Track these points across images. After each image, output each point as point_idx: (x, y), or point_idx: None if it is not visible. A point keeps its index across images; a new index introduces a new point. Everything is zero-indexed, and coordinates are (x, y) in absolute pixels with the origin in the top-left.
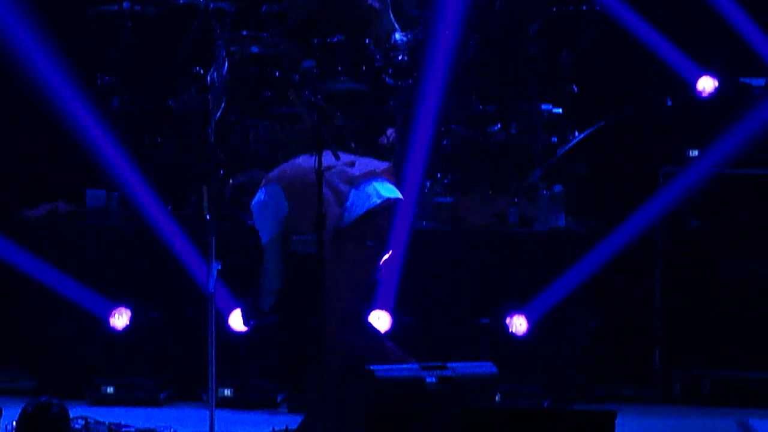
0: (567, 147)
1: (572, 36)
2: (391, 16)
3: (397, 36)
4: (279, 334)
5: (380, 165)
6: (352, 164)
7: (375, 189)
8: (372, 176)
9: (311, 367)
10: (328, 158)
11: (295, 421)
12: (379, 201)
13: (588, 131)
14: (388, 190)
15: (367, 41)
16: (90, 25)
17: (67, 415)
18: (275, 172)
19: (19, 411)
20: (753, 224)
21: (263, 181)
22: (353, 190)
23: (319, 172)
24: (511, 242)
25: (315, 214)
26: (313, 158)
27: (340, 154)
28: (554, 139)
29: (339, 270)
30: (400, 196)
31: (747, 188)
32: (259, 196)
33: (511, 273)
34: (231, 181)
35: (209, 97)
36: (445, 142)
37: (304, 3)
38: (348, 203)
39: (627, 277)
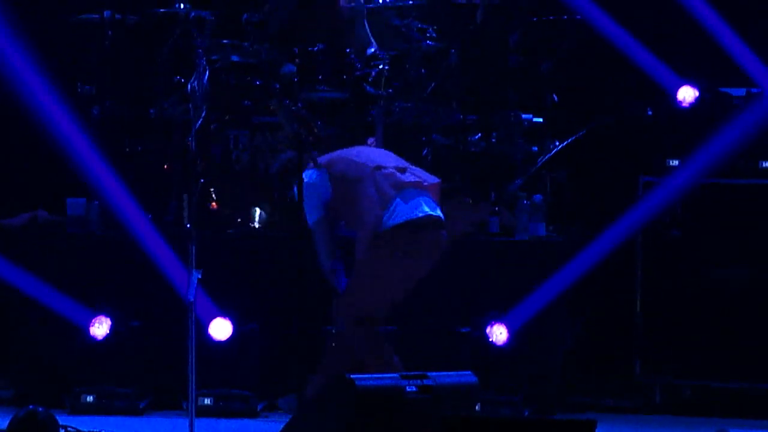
0: (547, 156)
1: (553, 46)
2: (368, 29)
3: (371, 50)
4: (259, 342)
5: (430, 179)
6: (403, 170)
7: (420, 202)
8: (419, 188)
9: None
10: (381, 158)
11: (274, 429)
12: (421, 215)
13: (568, 141)
14: (431, 207)
15: (348, 50)
16: (70, 33)
17: (56, 422)
18: (326, 158)
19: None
20: (733, 234)
21: (314, 163)
22: (399, 197)
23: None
24: (492, 251)
25: (354, 209)
26: (367, 153)
27: (396, 158)
28: (534, 149)
29: (366, 271)
30: (439, 214)
31: (727, 198)
32: (308, 177)
33: (492, 282)
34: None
35: (190, 105)
36: (425, 151)
37: (284, 11)
38: (390, 208)
39: (607, 286)
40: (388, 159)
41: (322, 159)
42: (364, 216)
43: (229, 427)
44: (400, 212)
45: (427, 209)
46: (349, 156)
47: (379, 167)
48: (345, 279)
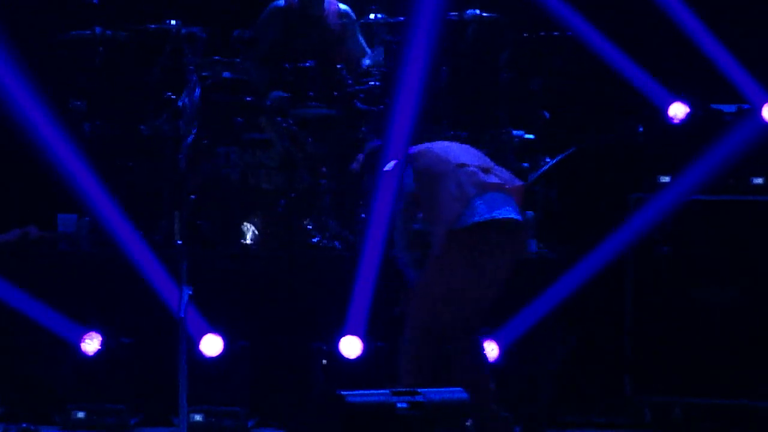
0: (538, 173)
1: (543, 62)
2: (361, 40)
3: (367, 61)
4: (250, 358)
5: (513, 181)
6: (487, 171)
7: (500, 204)
8: (501, 190)
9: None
10: (465, 156)
11: None
12: (499, 216)
13: (559, 157)
14: (511, 209)
15: (338, 66)
16: (62, 49)
17: None
18: (414, 150)
19: None
20: (724, 250)
21: (399, 154)
22: (479, 197)
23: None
24: None
25: (433, 204)
26: (453, 149)
27: (481, 156)
28: (526, 165)
29: (439, 268)
30: (519, 218)
31: (718, 214)
32: (391, 167)
33: None
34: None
35: (180, 122)
36: None
37: (273, 28)
38: (470, 206)
39: (598, 303)
40: (473, 157)
41: (411, 150)
42: (443, 211)
43: None
44: (479, 212)
45: (506, 211)
46: (434, 150)
47: (462, 165)
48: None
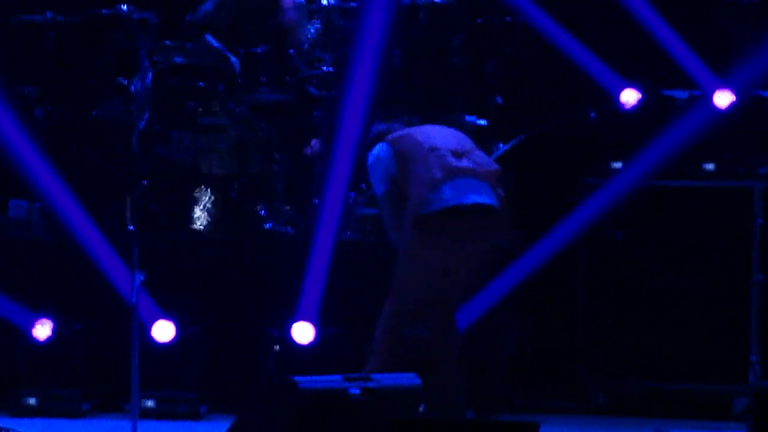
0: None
1: (496, 47)
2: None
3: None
4: (203, 344)
5: (489, 165)
6: (459, 155)
7: (469, 189)
8: (473, 175)
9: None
10: (439, 140)
11: (218, 431)
12: (467, 202)
13: (512, 143)
14: (481, 194)
15: (291, 51)
16: (12, 34)
17: None
18: (395, 135)
19: None
20: (676, 236)
21: (383, 137)
22: (447, 182)
23: None
24: None
25: (405, 189)
26: (430, 133)
27: (459, 140)
28: None
29: (406, 255)
30: (491, 202)
31: (670, 200)
32: (374, 150)
33: None
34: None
35: (132, 107)
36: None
37: (225, 13)
38: (436, 191)
39: (551, 288)
40: (449, 140)
41: (393, 134)
42: (411, 196)
43: (172, 429)
44: (445, 197)
45: (475, 197)
46: (412, 134)
47: (433, 148)
48: None
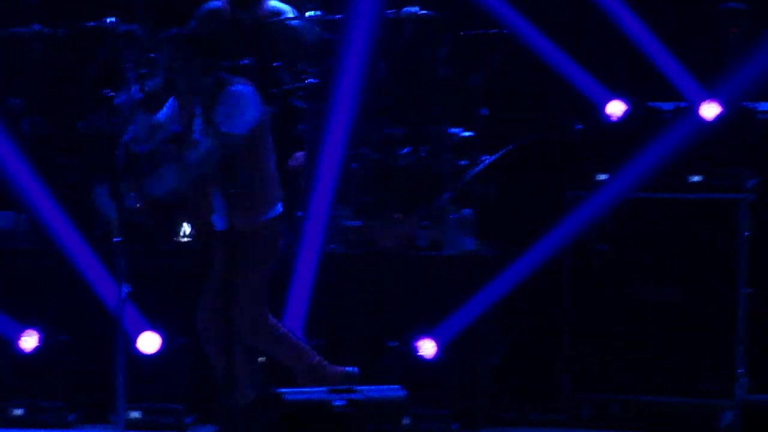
0: (476, 170)
1: (481, 59)
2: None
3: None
4: (188, 355)
5: None
6: None
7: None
8: None
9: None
10: None
11: None
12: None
13: (497, 155)
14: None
15: (276, 64)
16: None
17: None
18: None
19: None
20: (661, 248)
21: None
22: None
23: None
24: (420, 265)
25: None
26: None
27: None
28: (464, 162)
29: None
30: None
31: (655, 212)
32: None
33: (421, 296)
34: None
35: (118, 119)
36: (354, 165)
37: (210, 26)
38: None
39: (536, 301)
40: None
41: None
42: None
43: None
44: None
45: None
46: None
47: None
48: None
